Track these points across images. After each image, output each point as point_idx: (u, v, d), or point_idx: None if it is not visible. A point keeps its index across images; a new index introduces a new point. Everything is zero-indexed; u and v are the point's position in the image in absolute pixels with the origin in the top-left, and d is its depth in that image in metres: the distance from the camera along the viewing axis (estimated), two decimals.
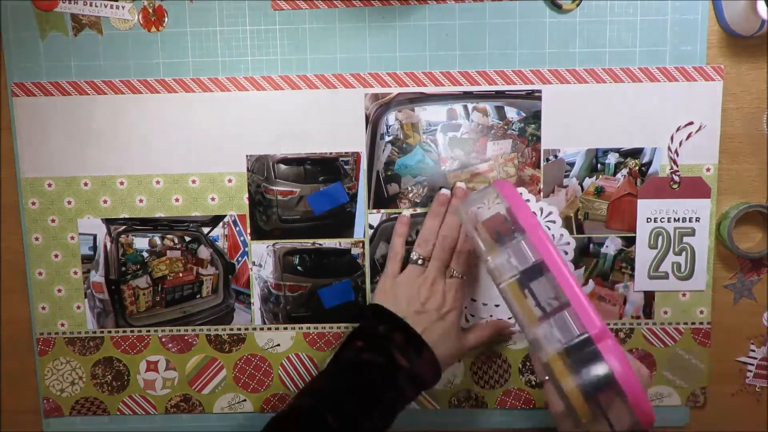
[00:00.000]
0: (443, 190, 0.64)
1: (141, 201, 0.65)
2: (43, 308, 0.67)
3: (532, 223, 0.49)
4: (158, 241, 0.66)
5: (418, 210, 0.65)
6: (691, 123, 0.63)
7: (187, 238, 0.66)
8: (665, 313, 0.66)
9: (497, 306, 0.65)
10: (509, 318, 0.65)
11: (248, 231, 0.66)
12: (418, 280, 0.60)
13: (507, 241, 0.51)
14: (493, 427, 0.69)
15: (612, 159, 0.64)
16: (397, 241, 0.63)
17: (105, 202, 0.65)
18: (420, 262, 0.61)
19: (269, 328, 0.67)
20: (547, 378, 0.48)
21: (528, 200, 0.64)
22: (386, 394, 0.55)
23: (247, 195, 0.65)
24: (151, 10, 0.63)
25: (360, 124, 0.64)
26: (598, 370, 0.43)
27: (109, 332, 0.67)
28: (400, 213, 0.65)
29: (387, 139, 0.64)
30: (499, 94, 0.63)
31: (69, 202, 0.66)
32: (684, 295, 0.65)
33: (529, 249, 0.49)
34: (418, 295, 0.59)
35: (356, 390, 0.55)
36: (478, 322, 0.65)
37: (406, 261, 0.63)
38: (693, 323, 0.66)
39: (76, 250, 0.66)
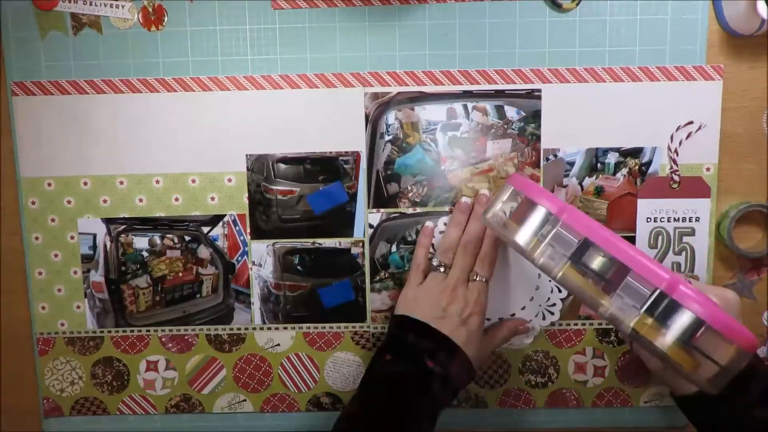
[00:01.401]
0: (464, 198, 0.63)
1: (141, 200, 0.65)
2: (43, 308, 0.67)
3: (561, 205, 0.49)
4: (158, 240, 0.66)
5: (418, 209, 0.65)
6: (691, 122, 0.63)
7: (187, 238, 0.66)
8: None
9: (501, 319, 0.65)
10: (511, 315, 0.65)
11: (248, 230, 0.66)
12: (440, 287, 0.59)
13: (545, 233, 0.50)
14: (493, 428, 0.69)
15: (612, 158, 0.64)
16: (420, 253, 0.63)
17: (105, 201, 0.65)
18: (442, 269, 0.60)
19: (269, 328, 0.67)
20: (629, 333, 0.48)
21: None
22: (420, 405, 0.54)
23: (246, 194, 0.65)
24: (150, 9, 0.63)
25: (360, 123, 0.64)
26: (684, 318, 0.43)
27: (109, 332, 0.67)
28: (400, 212, 0.65)
29: (387, 138, 0.64)
30: (499, 94, 0.63)
31: (69, 202, 0.66)
32: None
33: (569, 232, 0.48)
34: (439, 300, 0.58)
35: (389, 407, 0.54)
36: (492, 324, 0.65)
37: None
38: None
39: (76, 249, 0.66)
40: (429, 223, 0.64)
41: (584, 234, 0.47)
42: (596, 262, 0.48)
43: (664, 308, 0.44)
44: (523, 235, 0.51)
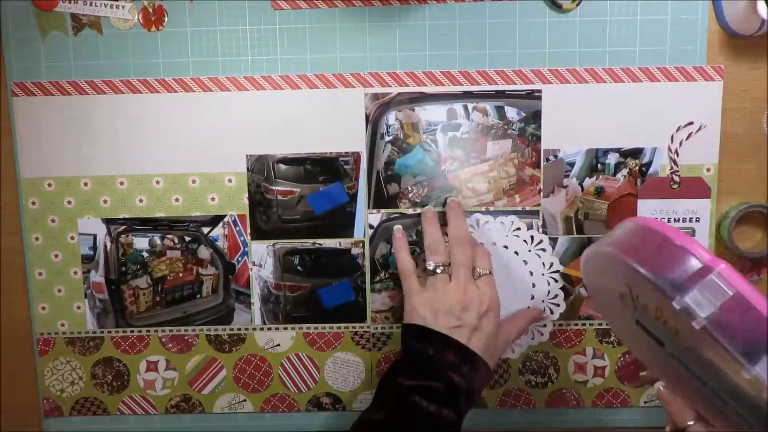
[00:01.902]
0: (428, 208, 0.64)
1: (141, 201, 0.65)
2: (43, 308, 0.67)
3: (710, 257, 0.45)
4: (158, 241, 0.66)
5: (419, 210, 0.65)
6: (691, 123, 0.63)
7: (187, 238, 0.66)
8: None
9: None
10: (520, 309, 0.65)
11: (248, 231, 0.66)
12: (449, 290, 0.57)
13: (685, 280, 0.46)
14: (493, 427, 0.69)
15: (612, 159, 0.64)
16: (403, 256, 0.61)
17: (105, 202, 0.65)
18: (440, 270, 0.58)
19: (269, 328, 0.67)
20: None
21: (512, 221, 0.64)
22: (446, 416, 0.53)
23: (247, 195, 0.65)
24: (151, 10, 0.63)
25: (360, 123, 0.64)
26: None
27: (109, 332, 0.67)
28: (400, 213, 0.65)
29: (387, 138, 0.64)
30: (499, 94, 0.63)
31: (69, 202, 0.66)
32: None
33: (723, 283, 0.44)
34: (453, 306, 0.56)
35: (416, 419, 0.53)
36: (508, 316, 0.64)
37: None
38: None
39: (76, 250, 0.66)
40: (398, 226, 0.64)
41: (738, 289, 0.44)
42: (736, 321, 0.44)
43: None
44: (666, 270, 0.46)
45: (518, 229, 0.64)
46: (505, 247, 0.64)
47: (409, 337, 0.58)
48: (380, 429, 0.53)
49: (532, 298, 0.65)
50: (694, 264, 0.46)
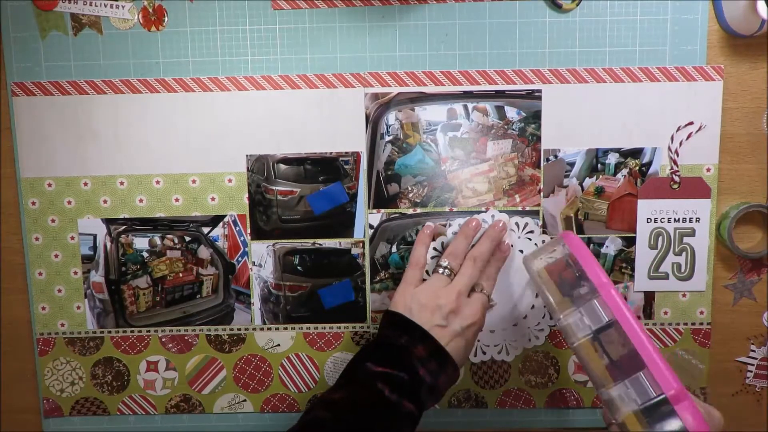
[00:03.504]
0: (479, 216, 0.63)
1: (141, 201, 0.65)
2: (43, 308, 0.67)
3: (603, 281, 0.50)
4: (158, 241, 0.66)
5: (419, 210, 0.65)
6: (691, 123, 0.63)
7: (187, 238, 0.66)
8: (665, 313, 0.66)
9: (492, 332, 0.65)
10: (502, 329, 0.65)
11: (248, 231, 0.66)
12: (443, 291, 0.57)
13: (578, 299, 0.51)
14: (493, 427, 0.69)
15: (612, 159, 0.64)
16: (420, 250, 0.61)
17: (105, 202, 0.65)
18: (446, 273, 0.58)
19: (269, 328, 0.67)
20: (613, 422, 0.50)
21: (512, 232, 0.64)
22: (406, 407, 0.53)
23: (247, 195, 0.65)
24: (151, 10, 0.63)
25: (360, 123, 0.64)
26: (673, 427, 0.45)
27: (109, 332, 0.67)
28: (400, 213, 0.65)
29: (387, 138, 0.64)
30: (499, 94, 0.63)
31: (69, 202, 0.66)
32: (684, 295, 0.65)
33: (602, 308, 0.50)
34: (442, 306, 0.56)
35: (376, 403, 0.53)
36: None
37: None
38: (693, 323, 0.66)
39: (76, 250, 0.66)
40: (430, 224, 0.64)
41: (616, 316, 0.48)
42: (615, 347, 0.49)
43: (660, 413, 0.45)
44: (556, 292, 0.54)
45: (531, 231, 0.64)
46: (521, 251, 0.64)
47: (386, 325, 0.58)
48: (338, 408, 0.53)
49: (525, 317, 0.65)
50: (586, 285, 0.51)
